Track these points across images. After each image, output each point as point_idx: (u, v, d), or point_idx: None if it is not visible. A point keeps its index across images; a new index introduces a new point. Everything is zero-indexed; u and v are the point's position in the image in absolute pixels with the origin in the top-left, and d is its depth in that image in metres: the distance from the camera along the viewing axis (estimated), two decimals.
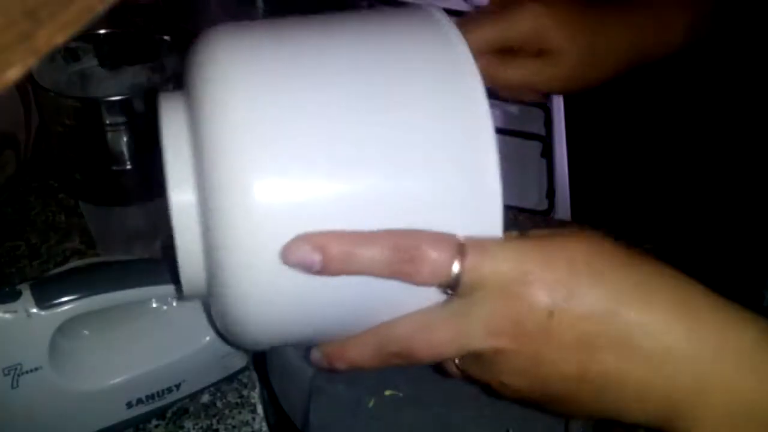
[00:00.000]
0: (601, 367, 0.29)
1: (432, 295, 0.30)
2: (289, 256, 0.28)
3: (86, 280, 0.43)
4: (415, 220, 0.29)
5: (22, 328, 0.40)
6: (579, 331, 0.29)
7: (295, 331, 0.32)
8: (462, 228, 0.29)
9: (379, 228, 0.29)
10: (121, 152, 0.51)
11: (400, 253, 0.28)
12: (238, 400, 0.51)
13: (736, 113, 0.60)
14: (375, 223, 0.29)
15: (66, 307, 0.41)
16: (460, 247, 0.29)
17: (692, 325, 0.29)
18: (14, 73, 0.16)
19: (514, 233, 0.31)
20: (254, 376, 0.52)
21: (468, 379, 0.33)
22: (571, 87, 0.50)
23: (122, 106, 0.48)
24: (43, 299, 0.41)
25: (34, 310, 0.40)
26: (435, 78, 0.30)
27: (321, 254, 0.28)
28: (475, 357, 0.31)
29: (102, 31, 0.53)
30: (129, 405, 0.47)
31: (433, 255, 0.29)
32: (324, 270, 0.28)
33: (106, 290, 0.43)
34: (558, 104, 0.82)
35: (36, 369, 0.42)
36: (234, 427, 0.49)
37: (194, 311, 0.48)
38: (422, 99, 0.30)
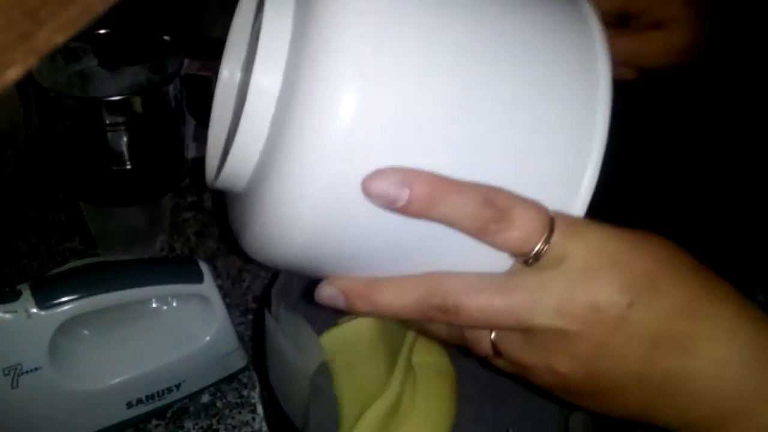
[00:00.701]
0: (664, 368, 0.28)
1: (503, 262, 0.29)
2: (372, 184, 0.26)
3: (86, 280, 0.43)
4: (510, 180, 0.28)
5: (22, 328, 0.40)
6: (655, 327, 0.28)
7: (331, 256, 0.29)
8: (551, 201, 0.28)
9: (473, 180, 0.27)
10: (121, 152, 0.51)
11: (491, 210, 0.27)
12: (238, 400, 0.51)
13: (730, 114, 0.60)
14: (471, 172, 0.27)
15: (66, 307, 0.41)
16: (551, 220, 0.28)
17: (752, 335, 0.28)
18: (14, 73, 0.16)
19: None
20: (254, 376, 0.52)
21: (496, 357, 0.31)
22: (678, 61, 0.47)
23: (122, 106, 0.48)
24: (43, 299, 0.41)
25: (34, 310, 0.40)
26: (566, 47, 0.29)
27: (408, 191, 0.26)
28: (529, 334, 0.29)
29: (102, 31, 0.53)
30: (129, 405, 0.47)
31: (526, 220, 0.27)
32: (406, 208, 0.26)
33: (106, 290, 0.43)
34: None
35: (36, 369, 0.42)
36: (234, 427, 0.49)
37: (194, 311, 0.49)
38: (549, 61, 0.28)
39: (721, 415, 0.29)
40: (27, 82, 0.54)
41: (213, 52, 0.51)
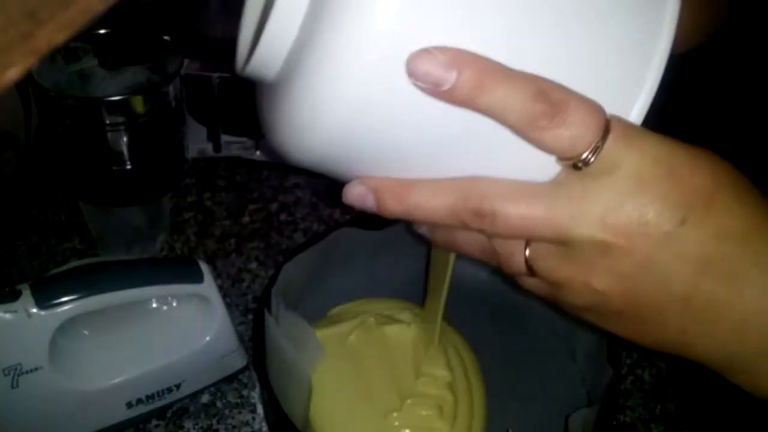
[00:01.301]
0: (710, 293, 0.26)
1: (550, 169, 0.27)
2: (417, 63, 0.24)
3: (86, 280, 0.43)
4: (567, 75, 0.25)
5: (22, 328, 0.40)
6: (706, 248, 0.26)
7: (364, 150, 0.27)
8: (608, 103, 0.26)
9: (528, 70, 0.25)
10: (121, 152, 0.51)
11: (543, 103, 0.25)
12: (238, 400, 0.51)
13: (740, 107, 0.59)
14: (526, 61, 0.25)
15: (66, 307, 0.41)
16: (606, 122, 0.25)
17: None
18: (14, 73, 0.16)
19: None
20: (254, 376, 0.52)
21: (529, 275, 0.29)
22: (697, 40, 0.45)
23: (122, 106, 0.48)
24: (43, 299, 0.41)
25: (34, 310, 0.40)
26: None
27: (455, 74, 0.24)
28: (568, 248, 0.27)
29: (102, 31, 0.53)
30: (129, 405, 0.47)
31: (579, 119, 0.25)
32: (451, 93, 0.24)
33: (106, 290, 0.43)
34: None
35: (36, 369, 0.42)
36: (234, 427, 0.49)
37: (194, 311, 0.49)
38: None
39: (761, 352, 0.27)
40: (27, 82, 0.54)
41: (213, 52, 0.51)
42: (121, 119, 0.49)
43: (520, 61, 0.25)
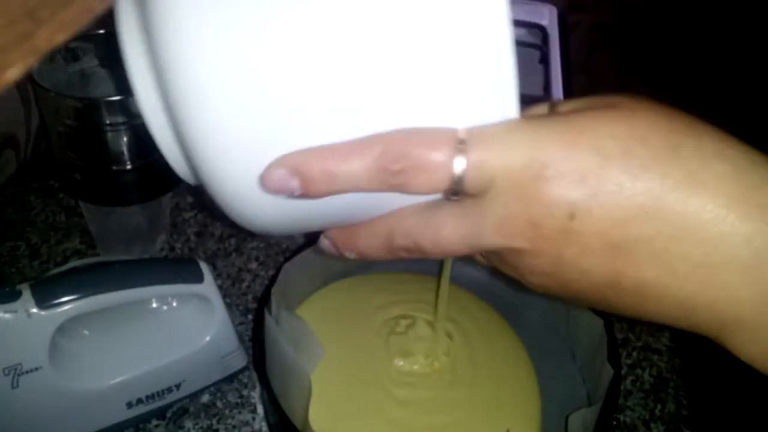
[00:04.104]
0: (637, 277, 0.25)
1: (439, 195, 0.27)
2: (266, 186, 0.25)
3: (86, 280, 0.43)
4: (405, 116, 0.24)
5: (22, 328, 0.40)
6: (609, 235, 0.24)
7: (295, 229, 0.31)
8: (464, 117, 0.25)
9: (366, 133, 0.25)
10: (121, 152, 0.51)
11: (387, 164, 0.25)
12: (238, 400, 0.51)
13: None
14: (359, 128, 0.25)
15: (66, 307, 0.41)
16: (461, 144, 0.25)
17: (759, 227, 0.23)
18: (14, 73, 0.16)
19: (541, 107, 0.27)
20: (254, 376, 0.52)
21: (495, 271, 0.30)
22: None
23: (122, 106, 0.48)
24: (43, 299, 0.41)
25: (34, 310, 0.40)
26: None
27: (299, 179, 0.25)
28: (496, 254, 0.28)
29: (102, 31, 0.53)
30: (129, 405, 0.47)
31: (426, 160, 0.25)
32: (306, 195, 0.26)
33: (106, 290, 0.43)
34: (553, 22, 0.82)
35: (36, 369, 0.42)
36: (234, 427, 0.49)
37: (194, 311, 0.49)
38: None
39: (720, 321, 0.25)
40: (27, 82, 0.54)
41: None
42: (121, 119, 0.49)
43: (357, 128, 0.25)
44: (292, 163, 0.25)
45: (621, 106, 0.25)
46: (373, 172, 0.25)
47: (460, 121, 0.25)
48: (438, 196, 0.27)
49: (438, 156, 0.25)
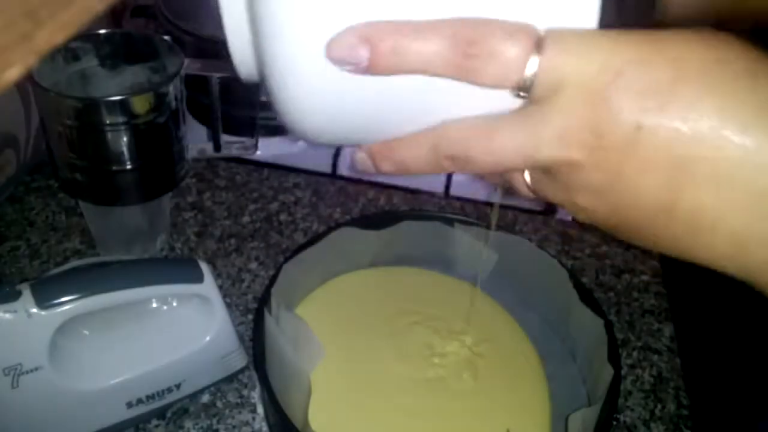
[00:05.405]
0: (693, 203, 0.24)
1: (505, 98, 0.26)
2: (332, 51, 0.24)
3: (86, 280, 0.43)
4: (487, 5, 0.24)
5: (22, 328, 0.40)
6: (672, 152, 0.24)
7: (346, 131, 0.29)
8: (544, 17, 0.25)
9: (444, 16, 0.24)
10: (121, 152, 0.51)
11: (461, 46, 0.24)
12: (238, 400, 0.51)
13: None
14: (439, 9, 0.24)
15: (66, 307, 0.41)
16: (538, 41, 0.24)
17: None
18: (14, 73, 0.16)
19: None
20: (254, 376, 0.52)
21: (540, 198, 0.29)
22: None
23: (122, 106, 0.48)
24: (43, 299, 0.41)
25: (34, 310, 0.40)
26: None
27: (369, 49, 0.24)
28: (546, 171, 0.27)
29: (102, 31, 0.53)
30: (129, 405, 0.47)
31: (502, 50, 0.24)
32: (372, 68, 0.25)
33: (106, 290, 0.43)
34: None
35: (36, 369, 0.42)
36: (234, 427, 0.49)
37: (194, 311, 0.49)
38: None
39: None
40: (27, 82, 0.54)
41: (213, 52, 0.51)
42: (121, 119, 0.49)
43: (439, 6, 0.24)
44: (364, 31, 0.24)
45: (705, 33, 0.25)
46: (446, 53, 0.24)
47: (541, 21, 0.25)
48: (499, 104, 0.26)
49: (514, 48, 0.24)
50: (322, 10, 0.25)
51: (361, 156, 0.30)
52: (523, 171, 0.29)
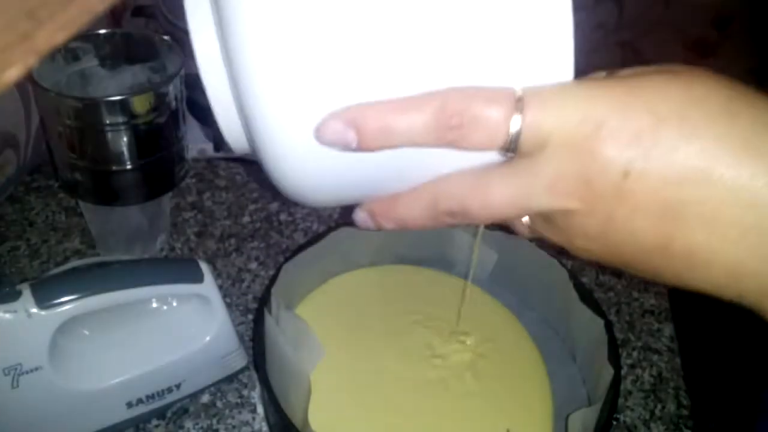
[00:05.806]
0: (686, 242, 0.25)
1: (491, 155, 0.27)
2: (321, 137, 0.26)
3: (86, 280, 0.43)
4: (463, 74, 0.25)
5: (22, 328, 0.40)
6: (661, 196, 0.24)
7: (344, 197, 0.30)
8: (521, 77, 0.25)
9: (423, 91, 0.25)
10: (121, 152, 0.51)
11: (445, 118, 0.25)
12: (238, 400, 0.51)
13: None
14: (417, 84, 0.25)
15: (66, 307, 0.41)
16: (518, 102, 0.25)
17: None
18: (14, 73, 0.16)
19: (600, 74, 0.27)
20: (254, 376, 0.52)
21: (540, 239, 0.30)
22: None
23: (122, 106, 0.48)
24: (43, 299, 0.41)
25: (34, 310, 0.40)
26: None
27: (356, 131, 0.25)
28: (544, 218, 0.28)
29: (102, 31, 0.53)
30: (129, 405, 0.47)
31: (486, 115, 0.25)
32: (362, 147, 0.26)
33: (106, 290, 0.43)
34: None
35: (36, 369, 0.42)
36: (234, 427, 0.49)
37: (194, 311, 0.49)
38: None
39: (765, 293, 0.25)
40: (27, 82, 0.54)
41: None
42: (121, 119, 0.49)
43: (416, 83, 0.25)
44: (349, 115, 0.25)
45: (679, 72, 0.25)
46: (431, 126, 0.25)
47: (517, 82, 0.25)
48: (488, 159, 0.27)
49: (496, 112, 0.25)
50: (306, 101, 0.25)
51: (363, 216, 0.31)
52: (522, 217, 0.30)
